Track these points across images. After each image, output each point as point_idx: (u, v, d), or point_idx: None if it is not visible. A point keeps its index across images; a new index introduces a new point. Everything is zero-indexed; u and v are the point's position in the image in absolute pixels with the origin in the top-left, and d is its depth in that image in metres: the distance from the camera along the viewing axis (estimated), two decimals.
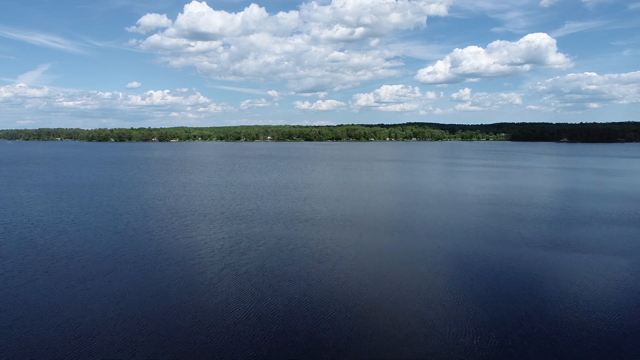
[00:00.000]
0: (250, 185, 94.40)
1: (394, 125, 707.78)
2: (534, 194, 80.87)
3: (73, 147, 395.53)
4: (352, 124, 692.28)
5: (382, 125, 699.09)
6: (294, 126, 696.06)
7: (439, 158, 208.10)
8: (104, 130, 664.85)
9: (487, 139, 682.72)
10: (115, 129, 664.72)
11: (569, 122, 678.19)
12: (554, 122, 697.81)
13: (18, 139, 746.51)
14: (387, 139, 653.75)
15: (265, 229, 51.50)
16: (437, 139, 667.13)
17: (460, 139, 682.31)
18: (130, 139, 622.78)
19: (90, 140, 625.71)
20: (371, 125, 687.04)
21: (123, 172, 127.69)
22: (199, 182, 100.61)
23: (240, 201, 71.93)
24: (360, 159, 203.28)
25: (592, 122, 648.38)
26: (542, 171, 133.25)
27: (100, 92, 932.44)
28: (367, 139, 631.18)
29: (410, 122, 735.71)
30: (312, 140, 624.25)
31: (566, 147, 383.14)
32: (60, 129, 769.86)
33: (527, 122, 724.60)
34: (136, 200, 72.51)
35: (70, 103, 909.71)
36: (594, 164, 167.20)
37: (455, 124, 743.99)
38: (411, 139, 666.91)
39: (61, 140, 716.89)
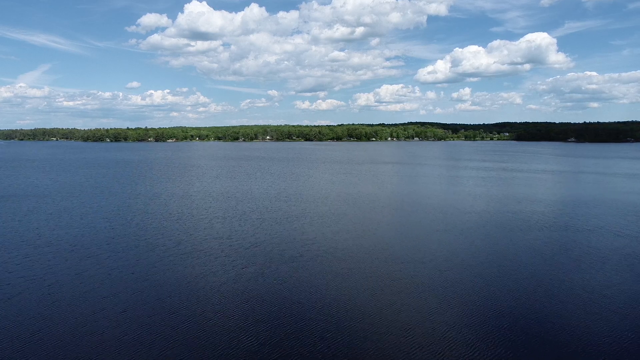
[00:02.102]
0: (232, 197, 77.89)
1: (396, 125, 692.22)
2: (581, 212, 64.27)
3: (61, 147, 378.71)
4: (353, 124, 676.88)
5: (383, 125, 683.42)
6: (293, 126, 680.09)
7: (448, 160, 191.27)
8: (100, 130, 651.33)
9: (491, 139, 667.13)
10: (110, 128, 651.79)
11: (569, 122, 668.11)
12: (554, 122, 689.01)
13: (13, 139, 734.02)
14: (389, 138, 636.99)
15: (229, 279, 34.87)
16: (439, 138, 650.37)
17: (463, 138, 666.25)
18: (126, 139, 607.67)
19: (86, 141, 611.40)
20: (372, 125, 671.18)
21: (90, 177, 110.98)
22: (172, 192, 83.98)
23: (211, 222, 55.39)
24: (362, 161, 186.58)
25: (592, 121, 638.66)
26: (573, 177, 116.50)
27: (100, 92, 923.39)
28: (369, 139, 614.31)
29: (411, 122, 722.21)
30: (312, 140, 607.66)
31: (576, 147, 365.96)
32: (56, 128, 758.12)
33: (527, 121, 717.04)
34: (77, 220, 55.76)
35: (70, 103, 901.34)
36: (620, 167, 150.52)
37: (456, 124, 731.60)
38: (413, 138, 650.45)
39: (57, 140, 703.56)
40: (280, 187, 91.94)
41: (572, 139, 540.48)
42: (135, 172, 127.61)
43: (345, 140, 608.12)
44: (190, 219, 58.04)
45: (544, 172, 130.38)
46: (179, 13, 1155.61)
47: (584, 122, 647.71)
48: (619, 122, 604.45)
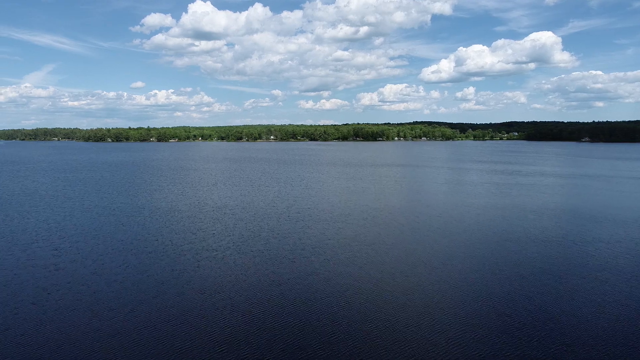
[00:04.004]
0: (230, 213, 62.49)
1: (402, 124, 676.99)
2: None
3: (59, 148, 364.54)
4: (358, 123, 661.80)
5: (389, 124, 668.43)
6: (298, 125, 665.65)
7: (472, 163, 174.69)
8: (101, 130, 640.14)
9: (500, 138, 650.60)
10: (112, 128, 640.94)
11: (577, 121, 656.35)
12: (561, 121, 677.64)
13: (15, 139, 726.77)
14: (396, 138, 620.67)
15: None
16: (447, 138, 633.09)
17: (472, 138, 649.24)
18: (127, 139, 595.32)
19: (87, 141, 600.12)
20: (378, 124, 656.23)
21: (68, 183, 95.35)
22: (157, 205, 68.51)
23: (197, 257, 39.94)
24: (376, 163, 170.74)
25: (597, 120, 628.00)
26: (624, 184, 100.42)
27: (104, 92, 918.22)
28: (375, 139, 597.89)
29: (416, 122, 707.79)
30: (316, 140, 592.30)
31: (595, 148, 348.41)
32: (58, 128, 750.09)
33: (533, 121, 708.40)
34: (18, 251, 40.38)
35: (75, 103, 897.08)
36: None
37: (463, 123, 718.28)
38: (421, 138, 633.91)
39: (58, 140, 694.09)
40: (289, 198, 76.47)
41: (586, 139, 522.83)
42: (123, 177, 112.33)
43: (351, 140, 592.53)
44: (170, 249, 42.71)
45: (588, 177, 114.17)
46: (183, 13, 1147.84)
47: (593, 121, 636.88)
48: (631, 121, 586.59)
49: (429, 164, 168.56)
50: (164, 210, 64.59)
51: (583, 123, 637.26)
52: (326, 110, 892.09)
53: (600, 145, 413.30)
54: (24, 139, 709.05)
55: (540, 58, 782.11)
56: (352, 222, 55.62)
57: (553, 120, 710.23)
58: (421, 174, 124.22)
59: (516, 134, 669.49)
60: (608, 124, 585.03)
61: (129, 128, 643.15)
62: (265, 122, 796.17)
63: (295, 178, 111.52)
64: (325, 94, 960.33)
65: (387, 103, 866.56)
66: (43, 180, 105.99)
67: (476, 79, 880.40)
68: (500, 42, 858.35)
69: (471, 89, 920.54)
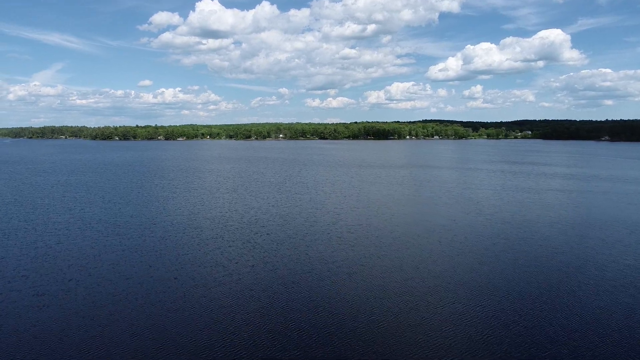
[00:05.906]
0: (258, 235, 49.93)
1: (413, 122, 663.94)
2: None
3: (63, 147, 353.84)
4: (368, 121, 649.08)
5: (398, 123, 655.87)
6: (307, 124, 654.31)
7: (510, 164, 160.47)
8: (108, 128, 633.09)
9: (515, 137, 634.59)
10: (119, 126, 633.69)
11: (591, 120, 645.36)
12: (566, 119, 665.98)
13: (22, 137, 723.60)
14: (408, 137, 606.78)
15: None
16: (460, 137, 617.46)
17: (485, 137, 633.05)
18: (135, 137, 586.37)
19: (94, 139, 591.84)
20: (387, 122, 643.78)
21: (59, 189, 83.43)
22: (165, 220, 56.09)
23: (217, 321, 27.54)
24: (406, 164, 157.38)
25: (608, 119, 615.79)
26: None
27: (112, 91, 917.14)
28: (386, 137, 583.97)
29: (426, 120, 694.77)
30: (326, 138, 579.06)
31: (618, 147, 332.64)
32: (65, 126, 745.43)
33: (543, 119, 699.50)
34: None
35: (83, 101, 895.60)
36: None
37: (474, 122, 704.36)
38: (433, 137, 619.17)
39: (65, 138, 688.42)
40: (329, 210, 63.66)
41: (606, 138, 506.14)
42: (130, 182, 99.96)
43: (362, 139, 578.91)
44: (195, 293, 30.22)
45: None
46: (191, 11, 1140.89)
47: (607, 119, 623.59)
48: None
49: (462, 165, 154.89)
50: (181, 227, 52.26)
51: (596, 122, 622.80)
52: (333, 108, 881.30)
53: (622, 144, 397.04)
54: (31, 137, 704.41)
55: (548, 56, 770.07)
56: (430, 249, 42.82)
57: (562, 118, 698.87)
58: (466, 178, 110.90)
59: (530, 132, 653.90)
60: (623, 122, 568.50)
61: (137, 126, 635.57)
62: (272, 120, 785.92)
63: (324, 182, 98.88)
64: (332, 92, 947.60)
65: (394, 101, 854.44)
66: (41, 185, 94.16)
67: (484, 77, 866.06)
68: (508, 40, 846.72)
69: (479, 87, 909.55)
